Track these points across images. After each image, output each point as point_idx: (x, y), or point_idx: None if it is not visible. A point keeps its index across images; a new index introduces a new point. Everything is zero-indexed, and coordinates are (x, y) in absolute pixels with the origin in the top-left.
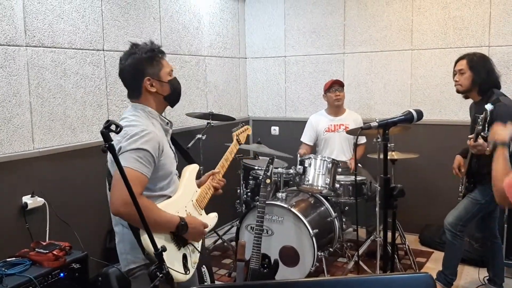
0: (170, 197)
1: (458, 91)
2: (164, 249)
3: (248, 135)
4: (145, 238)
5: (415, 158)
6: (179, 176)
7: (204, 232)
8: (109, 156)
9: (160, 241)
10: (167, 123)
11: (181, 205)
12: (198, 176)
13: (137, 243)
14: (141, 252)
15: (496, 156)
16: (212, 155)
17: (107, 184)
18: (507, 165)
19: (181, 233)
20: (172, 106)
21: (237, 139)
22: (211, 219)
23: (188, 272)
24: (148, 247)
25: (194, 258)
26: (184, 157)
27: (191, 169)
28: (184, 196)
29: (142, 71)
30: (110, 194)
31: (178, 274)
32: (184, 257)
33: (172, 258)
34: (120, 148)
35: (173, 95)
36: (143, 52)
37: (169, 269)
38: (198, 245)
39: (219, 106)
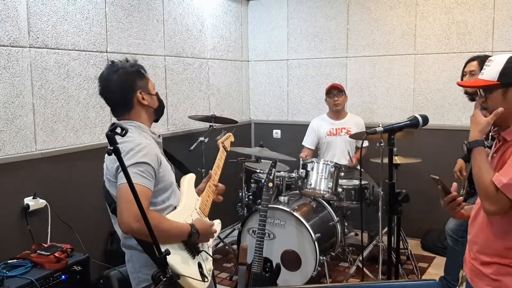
0: (174, 207)
1: (466, 93)
2: (168, 252)
3: (231, 142)
4: (171, 258)
5: (418, 163)
6: (179, 187)
7: (213, 231)
8: (105, 177)
9: (174, 251)
10: (159, 136)
11: (187, 214)
12: (196, 184)
13: (150, 259)
14: (151, 269)
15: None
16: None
17: (107, 206)
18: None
19: (193, 240)
20: (157, 120)
21: (223, 146)
22: (216, 225)
23: (206, 280)
24: (172, 266)
25: (208, 265)
26: (179, 168)
27: (188, 179)
28: (188, 205)
29: (133, 85)
30: (118, 212)
31: (197, 282)
32: (200, 265)
33: (189, 267)
34: (117, 167)
35: (160, 108)
36: (129, 67)
37: (189, 278)
38: (210, 251)
39: (222, 109)
